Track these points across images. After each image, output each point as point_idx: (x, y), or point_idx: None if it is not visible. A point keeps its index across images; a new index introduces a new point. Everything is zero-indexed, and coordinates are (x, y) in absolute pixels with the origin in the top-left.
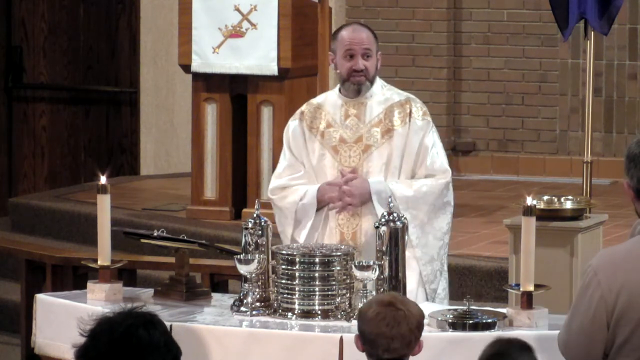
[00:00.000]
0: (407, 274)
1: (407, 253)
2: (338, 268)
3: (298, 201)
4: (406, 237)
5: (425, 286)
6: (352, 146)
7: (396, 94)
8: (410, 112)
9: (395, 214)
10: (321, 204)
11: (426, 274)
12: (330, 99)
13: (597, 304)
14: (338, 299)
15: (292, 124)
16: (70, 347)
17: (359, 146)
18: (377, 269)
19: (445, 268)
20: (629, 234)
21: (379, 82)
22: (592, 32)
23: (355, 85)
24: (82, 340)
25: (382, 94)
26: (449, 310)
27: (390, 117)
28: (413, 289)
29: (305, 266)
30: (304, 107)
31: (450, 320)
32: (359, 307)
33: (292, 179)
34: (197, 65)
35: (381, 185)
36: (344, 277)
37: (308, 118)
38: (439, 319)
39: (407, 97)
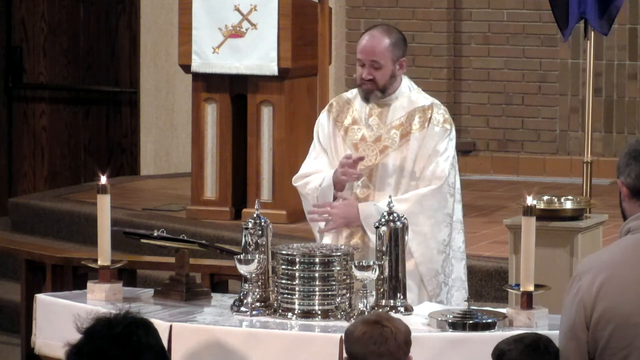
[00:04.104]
0: (407, 296)
1: (409, 266)
2: (338, 268)
3: (318, 187)
4: (407, 238)
5: (432, 300)
6: (371, 145)
7: (422, 98)
8: (431, 117)
9: (395, 214)
10: (336, 186)
11: (432, 288)
12: (360, 96)
13: (577, 307)
14: (338, 299)
15: (322, 115)
16: (64, 345)
17: (377, 146)
18: (377, 269)
19: (456, 275)
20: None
21: (406, 83)
22: (592, 32)
23: (363, 92)
24: (75, 339)
25: (407, 96)
26: (449, 310)
27: (411, 121)
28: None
29: (305, 266)
30: (333, 100)
31: (450, 320)
32: (345, 328)
33: (317, 168)
34: (197, 65)
35: (370, 210)
36: (344, 277)
37: (335, 111)
38: (439, 319)
39: (432, 102)
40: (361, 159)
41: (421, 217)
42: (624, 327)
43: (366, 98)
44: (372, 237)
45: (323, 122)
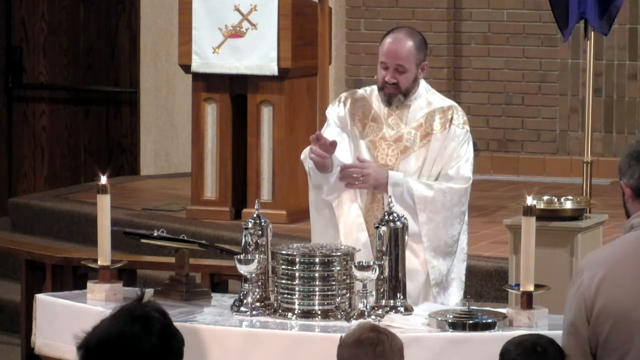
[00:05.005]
0: (411, 281)
1: (414, 258)
2: (338, 268)
3: (309, 167)
4: (407, 237)
5: (432, 288)
6: (391, 145)
7: (440, 100)
8: (452, 119)
9: (395, 214)
10: (317, 165)
11: (434, 277)
12: (377, 94)
13: (577, 302)
14: (338, 299)
15: (333, 106)
16: (71, 346)
17: (397, 146)
18: (377, 269)
19: (456, 275)
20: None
21: (423, 85)
22: (592, 32)
23: (385, 96)
24: (84, 332)
25: (425, 97)
26: (449, 310)
27: (431, 122)
28: (417, 292)
29: (305, 266)
30: (345, 94)
31: (450, 320)
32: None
33: None
34: (197, 65)
35: (400, 179)
36: (344, 277)
37: (350, 105)
38: (439, 319)
39: (450, 104)
40: (334, 142)
41: (440, 207)
42: (623, 322)
43: (388, 101)
44: (393, 204)
45: (337, 109)
